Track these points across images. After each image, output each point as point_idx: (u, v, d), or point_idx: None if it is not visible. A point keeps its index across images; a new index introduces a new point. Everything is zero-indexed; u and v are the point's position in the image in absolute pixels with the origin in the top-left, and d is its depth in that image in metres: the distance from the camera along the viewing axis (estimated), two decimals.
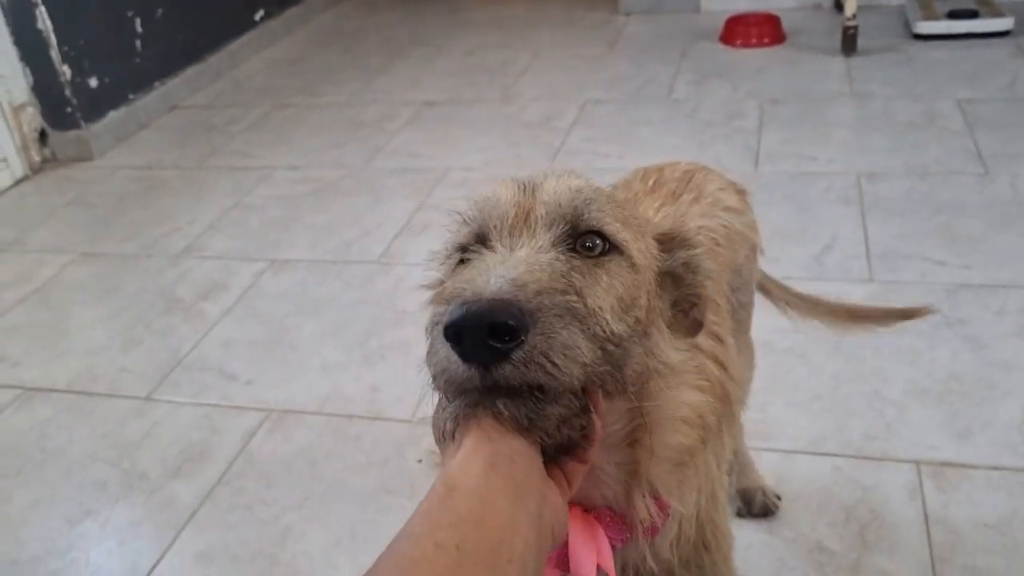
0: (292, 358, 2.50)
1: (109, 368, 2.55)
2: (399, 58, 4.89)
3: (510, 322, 0.70)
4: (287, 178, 3.62)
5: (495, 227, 0.85)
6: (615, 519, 0.93)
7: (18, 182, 3.85)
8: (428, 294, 1.00)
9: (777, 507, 1.81)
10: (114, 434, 2.28)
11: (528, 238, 0.83)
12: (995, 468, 1.86)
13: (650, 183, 1.42)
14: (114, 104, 4.12)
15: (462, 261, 0.88)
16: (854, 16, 4.09)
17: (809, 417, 2.05)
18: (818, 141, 3.41)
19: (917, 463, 1.89)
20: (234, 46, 4.97)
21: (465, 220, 0.89)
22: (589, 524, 0.92)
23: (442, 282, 0.98)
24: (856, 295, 2.45)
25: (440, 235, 0.99)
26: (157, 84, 4.40)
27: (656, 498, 0.93)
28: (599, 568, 0.89)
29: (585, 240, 0.84)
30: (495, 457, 0.73)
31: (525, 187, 0.88)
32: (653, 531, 0.95)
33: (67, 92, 3.88)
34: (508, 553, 0.68)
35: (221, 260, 3.05)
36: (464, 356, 0.72)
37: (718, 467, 1.05)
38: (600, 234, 0.85)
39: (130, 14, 4.22)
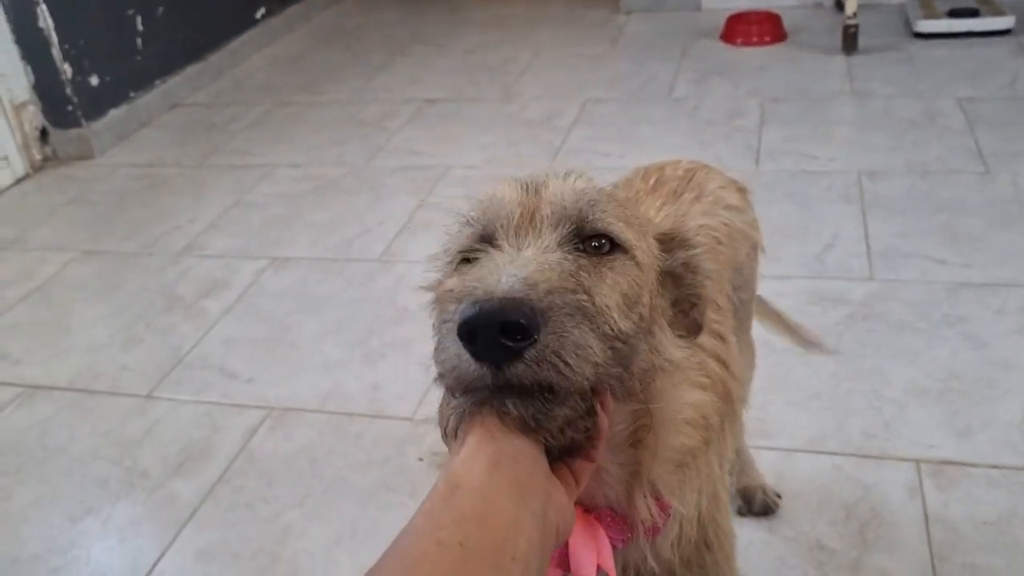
0: (293, 356, 2.50)
1: (110, 366, 2.55)
2: (400, 56, 4.89)
3: (522, 321, 0.70)
4: (288, 176, 3.62)
5: (501, 227, 0.85)
6: (616, 519, 0.93)
7: (19, 180, 3.85)
8: (429, 294, 1.00)
9: (777, 505, 1.82)
10: (115, 432, 2.29)
11: (534, 238, 0.83)
12: (995, 467, 1.86)
13: (651, 182, 1.43)
14: (115, 102, 4.12)
15: (466, 260, 0.88)
16: (855, 15, 4.09)
17: (809, 416, 2.05)
18: (819, 139, 3.41)
19: (917, 462, 1.90)
20: (235, 44, 4.97)
21: (468, 220, 0.89)
22: (590, 524, 0.92)
23: (442, 282, 0.98)
24: (857, 293, 2.45)
25: (441, 234, 0.99)
26: (158, 82, 4.40)
27: (657, 498, 0.93)
28: (599, 568, 0.89)
29: (591, 240, 0.85)
30: (499, 456, 0.73)
31: (528, 187, 0.88)
32: (654, 531, 0.96)
33: (68, 90, 3.88)
34: (512, 551, 0.68)
35: (222, 258, 3.05)
36: (476, 355, 0.72)
37: (720, 467, 1.05)
38: (605, 234, 0.85)
39: (131, 12, 4.22)
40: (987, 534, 1.71)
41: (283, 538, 1.91)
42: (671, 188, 1.40)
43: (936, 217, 2.80)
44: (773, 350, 2.22)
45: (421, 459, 2.07)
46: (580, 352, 0.73)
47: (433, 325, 0.83)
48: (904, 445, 1.94)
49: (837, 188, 3.03)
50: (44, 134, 3.98)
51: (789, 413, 2.07)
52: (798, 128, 3.52)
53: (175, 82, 4.50)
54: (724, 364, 1.09)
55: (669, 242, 0.95)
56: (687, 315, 0.96)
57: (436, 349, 0.78)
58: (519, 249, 0.82)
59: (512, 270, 0.75)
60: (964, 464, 1.88)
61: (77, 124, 3.95)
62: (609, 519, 0.93)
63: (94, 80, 3.99)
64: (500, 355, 0.71)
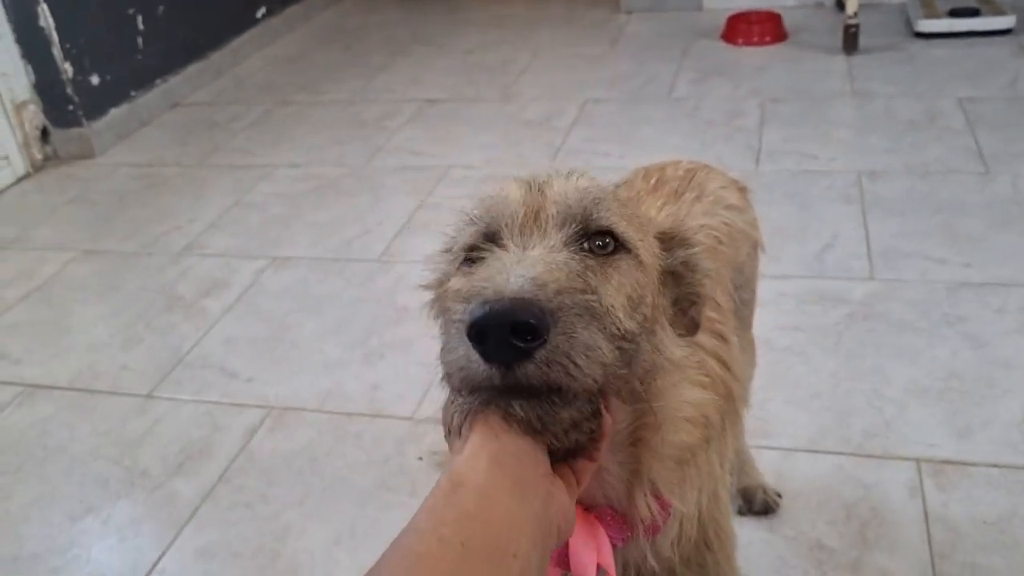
0: (293, 356, 2.50)
1: (110, 366, 2.55)
2: (400, 56, 4.89)
3: (533, 321, 0.70)
4: (288, 176, 3.62)
5: (506, 226, 0.84)
6: (616, 518, 0.93)
7: (20, 180, 3.85)
8: (429, 293, 1.00)
9: (777, 505, 1.82)
10: (115, 431, 2.29)
11: (539, 237, 0.83)
12: (995, 466, 1.86)
13: (652, 182, 1.43)
14: (116, 102, 4.12)
15: (468, 260, 0.87)
16: (855, 14, 4.09)
17: (809, 415, 2.06)
18: (819, 140, 3.41)
19: (917, 461, 1.90)
20: (235, 44, 4.97)
21: (472, 219, 0.88)
22: (590, 523, 0.92)
23: (443, 280, 0.98)
24: (857, 293, 2.46)
25: (441, 234, 0.99)
26: (159, 81, 4.40)
27: (657, 496, 0.93)
28: (599, 567, 0.89)
29: (595, 239, 0.85)
30: (501, 454, 0.73)
31: (532, 186, 0.88)
32: (654, 530, 0.96)
33: (69, 90, 3.88)
34: (513, 549, 0.68)
35: (222, 258, 3.05)
36: (486, 355, 0.72)
37: (721, 466, 1.05)
38: (610, 233, 0.85)
39: (131, 11, 4.22)
40: (987, 533, 1.71)
41: (283, 537, 1.91)
42: (672, 188, 1.40)
43: (936, 217, 2.80)
44: (772, 348, 2.23)
45: (421, 458, 2.07)
46: (590, 353, 0.73)
47: (439, 325, 0.82)
48: (904, 444, 1.94)
49: (837, 188, 3.03)
50: (45, 133, 3.98)
51: (789, 412, 2.07)
52: (798, 128, 3.52)
53: (176, 81, 4.51)
54: (726, 365, 1.09)
55: (669, 241, 0.95)
56: (685, 313, 0.96)
57: (443, 349, 0.78)
58: (524, 249, 0.81)
59: (521, 270, 0.75)
60: (964, 463, 1.88)
61: (78, 123, 3.95)
62: (609, 518, 0.93)
63: (95, 79, 3.99)
64: (510, 356, 0.71)
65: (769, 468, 1.90)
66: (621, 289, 0.82)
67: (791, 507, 1.82)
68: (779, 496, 1.83)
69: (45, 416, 2.37)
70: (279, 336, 2.60)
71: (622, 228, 0.86)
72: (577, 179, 0.89)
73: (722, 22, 4.62)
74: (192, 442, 2.22)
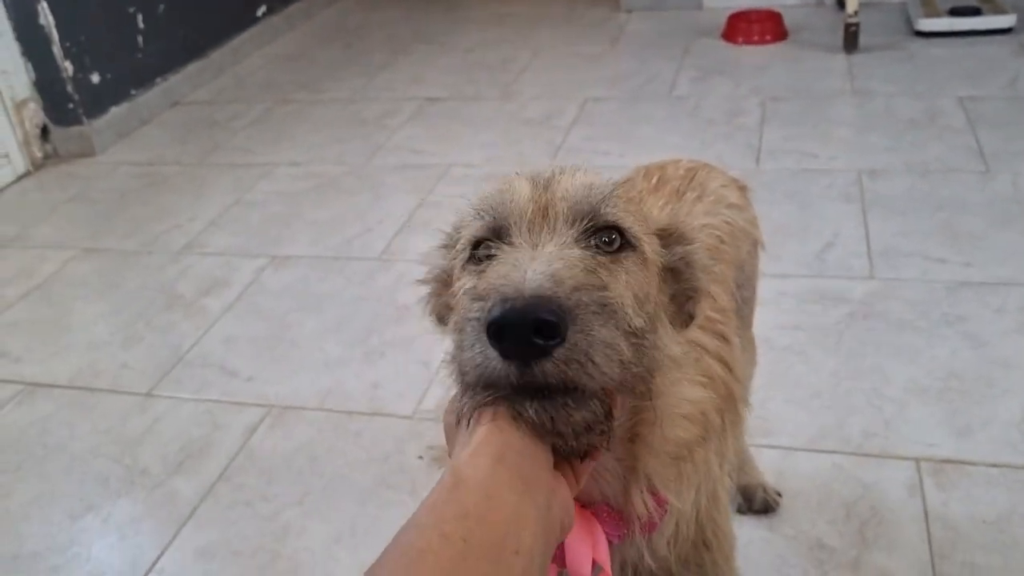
0: (293, 354, 2.50)
1: (110, 364, 2.55)
2: (401, 54, 4.89)
3: (553, 319, 0.69)
4: (288, 174, 3.62)
5: (514, 223, 0.84)
6: (612, 515, 0.93)
7: (20, 178, 3.85)
8: (424, 288, 1.00)
9: (777, 504, 1.82)
10: (115, 430, 2.29)
11: (549, 234, 0.82)
12: (995, 465, 1.86)
13: (653, 181, 1.43)
14: (116, 100, 4.12)
15: (474, 257, 0.87)
16: (856, 13, 4.08)
17: (809, 414, 2.06)
18: (819, 138, 3.41)
19: (917, 460, 1.90)
20: (236, 42, 4.97)
21: (479, 213, 0.87)
22: (586, 519, 0.91)
23: (441, 277, 0.98)
24: (857, 292, 2.46)
25: (440, 234, 0.99)
26: (159, 80, 4.40)
27: (654, 493, 0.93)
28: (595, 563, 0.89)
29: (603, 236, 0.84)
30: (504, 450, 0.73)
31: (538, 182, 0.87)
32: (650, 527, 0.95)
33: (69, 88, 3.88)
34: (514, 546, 0.68)
35: (222, 256, 3.05)
36: (504, 353, 0.71)
37: (720, 467, 1.05)
38: (618, 229, 0.85)
39: (132, 10, 4.22)
40: (987, 533, 1.71)
41: (283, 536, 1.91)
42: (673, 187, 1.40)
43: (936, 216, 2.80)
44: (772, 347, 2.23)
45: (421, 457, 2.07)
46: (608, 351, 0.73)
47: (455, 322, 0.81)
48: (904, 444, 1.94)
49: (838, 187, 3.03)
50: (45, 131, 3.98)
51: (789, 411, 2.07)
52: (799, 127, 3.52)
53: (176, 80, 4.51)
54: (728, 366, 1.08)
55: (667, 237, 0.95)
56: (682, 308, 0.96)
57: (457, 347, 0.77)
58: (534, 246, 0.81)
59: (538, 267, 0.74)
60: (964, 463, 1.88)
61: (78, 122, 3.95)
62: (605, 514, 0.92)
63: (95, 77, 3.99)
64: (530, 354, 0.70)
65: (769, 467, 1.90)
66: (629, 287, 0.82)
67: (791, 506, 1.82)
68: (779, 495, 1.83)
69: (45, 414, 2.37)
70: (279, 335, 2.60)
71: (629, 224, 0.86)
72: (583, 175, 0.89)
73: (722, 21, 4.61)
74: (192, 441, 2.22)
